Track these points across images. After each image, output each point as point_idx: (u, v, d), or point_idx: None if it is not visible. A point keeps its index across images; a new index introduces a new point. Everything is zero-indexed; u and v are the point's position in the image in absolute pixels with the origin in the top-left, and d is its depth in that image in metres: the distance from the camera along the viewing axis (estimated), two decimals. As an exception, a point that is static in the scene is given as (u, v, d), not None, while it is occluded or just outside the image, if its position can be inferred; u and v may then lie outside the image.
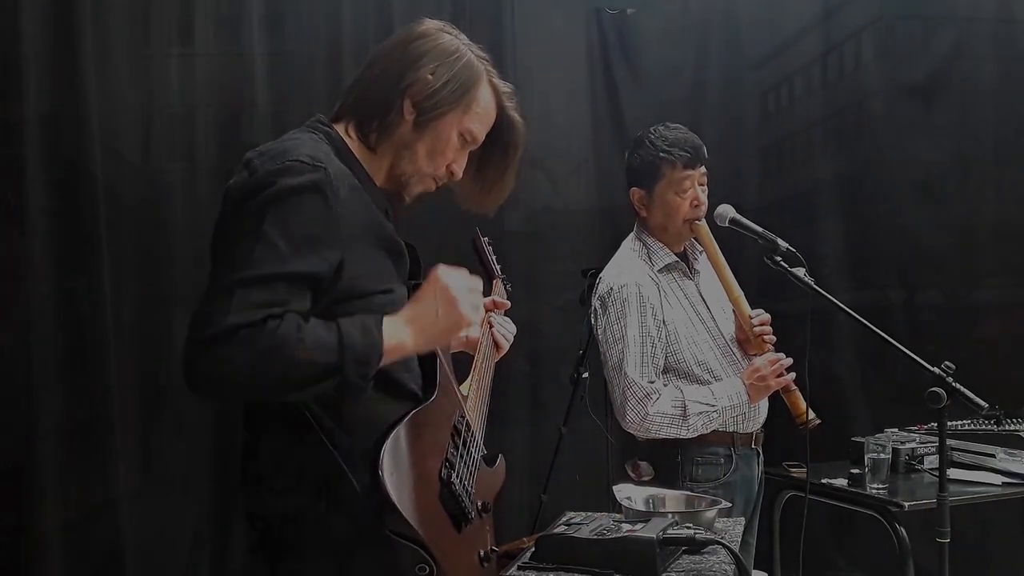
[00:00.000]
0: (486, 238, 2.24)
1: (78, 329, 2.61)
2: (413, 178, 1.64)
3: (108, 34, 2.64)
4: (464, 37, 1.67)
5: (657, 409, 2.44)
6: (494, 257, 2.24)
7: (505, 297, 2.14)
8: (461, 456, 1.58)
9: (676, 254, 2.61)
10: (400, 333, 1.45)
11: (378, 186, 1.62)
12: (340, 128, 1.61)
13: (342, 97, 1.65)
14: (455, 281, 1.50)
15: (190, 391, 1.36)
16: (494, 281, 2.19)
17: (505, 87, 1.70)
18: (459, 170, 1.67)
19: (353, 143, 1.60)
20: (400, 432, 1.43)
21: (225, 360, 1.32)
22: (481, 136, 1.67)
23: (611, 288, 2.53)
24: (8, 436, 2.54)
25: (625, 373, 2.46)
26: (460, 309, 1.48)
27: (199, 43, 2.81)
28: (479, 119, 1.65)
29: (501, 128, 1.72)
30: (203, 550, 2.82)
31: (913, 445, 3.18)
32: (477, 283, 1.55)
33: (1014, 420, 3.17)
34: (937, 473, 2.08)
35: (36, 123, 2.51)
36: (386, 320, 1.44)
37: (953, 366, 2.01)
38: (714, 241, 2.54)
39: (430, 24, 1.65)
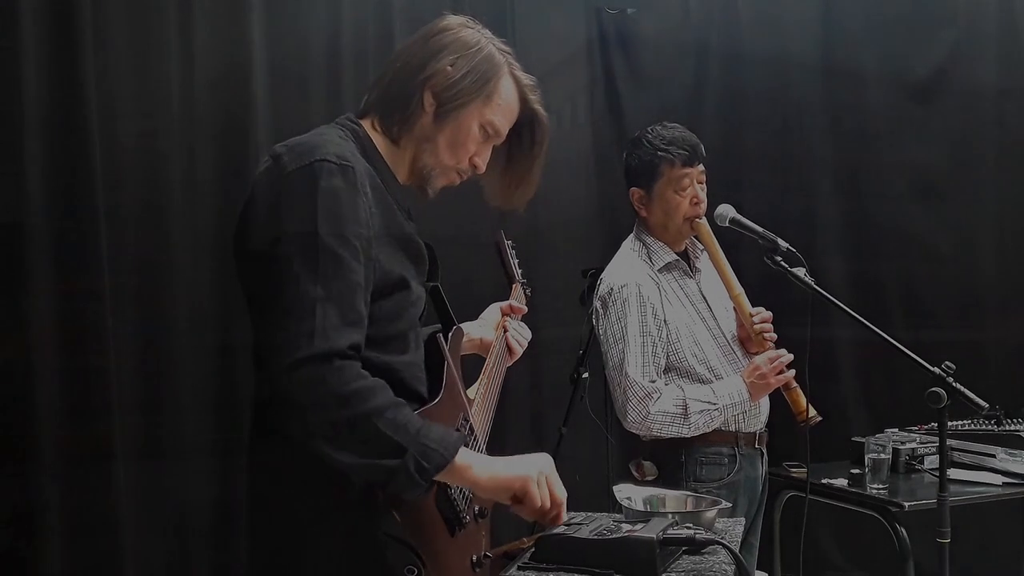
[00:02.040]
0: (509, 241, 2.22)
1: (78, 328, 2.61)
2: (435, 171, 1.63)
3: (108, 34, 2.63)
4: (487, 32, 1.67)
5: (658, 408, 2.44)
6: (516, 261, 2.22)
7: (524, 302, 2.12)
8: None
9: (677, 253, 2.61)
10: (471, 457, 1.43)
11: (401, 182, 1.62)
12: (367, 124, 1.61)
13: (367, 93, 1.66)
14: (550, 476, 1.51)
15: (287, 411, 1.35)
16: (513, 285, 2.18)
17: (528, 80, 1.69)
18: (482, 163, 1.66)
19: (378, 137, 1.60)
20: None
21: (312, 381, 1.31)
22: (503, 129, 1.66)
23: (611, 288, 2.54)
24: (7, 437, 2.53)
25: (626, 373, 2.46)
26: (531, 486, 1.48)
27: (199, 43, 2.81)
28: (501, 111, 1.64)
29: (526, 122, 1.71)
30: (204, 551, 2.82)
31: (913, 445, 3.18)
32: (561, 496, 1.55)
33: (1014, 420, 3.17)
34: (937, 473, 2.09)
35: (37, 123, 2.50)
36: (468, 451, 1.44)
37: (953, 366, 2.02)
38: (715, 239, 2.54)
39: (452, 19, 1.66)
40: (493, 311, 2.05)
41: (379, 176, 1.54)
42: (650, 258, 2.59)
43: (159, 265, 2.75)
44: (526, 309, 2.09)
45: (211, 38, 2.82)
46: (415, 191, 1.65)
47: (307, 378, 1.31)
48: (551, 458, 1.55)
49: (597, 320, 2.58)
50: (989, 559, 3.61)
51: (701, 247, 2.63)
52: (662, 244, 2.60)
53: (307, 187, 1.40)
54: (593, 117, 3.91)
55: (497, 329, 2.00)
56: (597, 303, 2.58)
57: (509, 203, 1.77)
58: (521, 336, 2.03)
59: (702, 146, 2.57)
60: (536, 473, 1.50)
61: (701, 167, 2.56)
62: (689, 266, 2.64)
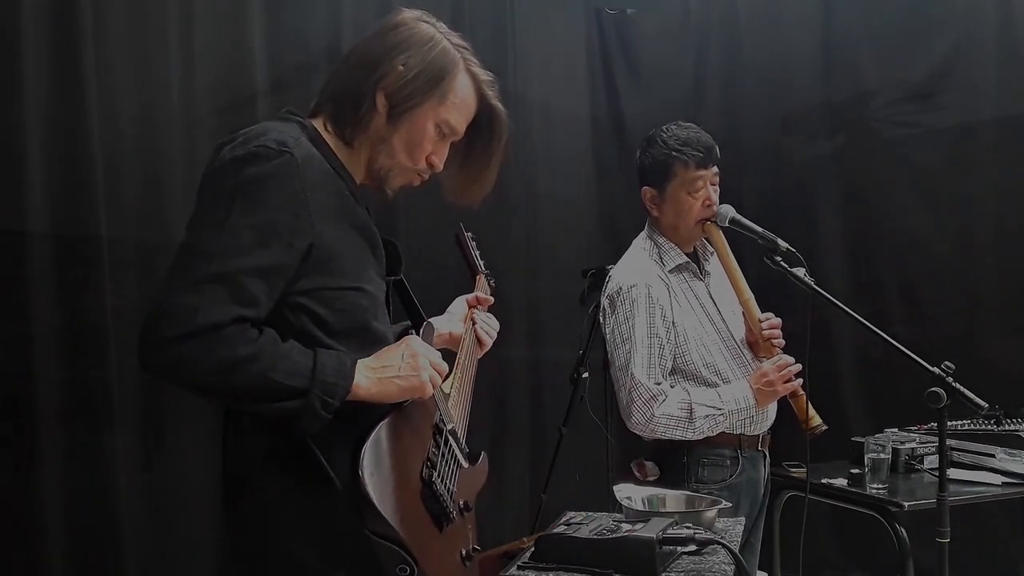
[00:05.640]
0: (469, 233, 2.21)
1: (78, 327, 2.61)
2: (392, 172, 1.60)
3: (108, 33, 2.64)
4: (443, 26, 1.63)
5: (663, 411, 2.41)
6: (477, 252, 2.22)
7: (488, 293, 2.11)
8: (443, 455, 1.57)
9: (687, 255, 2.59)
10: (360, 376, 1.43)
11: (358, 182, 1.60)
12: (318, 123, 1.58)
13: (320, 92, 1.62)
14: (423, 349, 1.49)
15: (146, 372, 1.35)
16: (477, 277, 2.17)
17: (485, 75, 1.64)
18: (439, 162, 1.63)
19: (331, 138, 1.58)
20: (381, 432, 1.42)
21: (191, 358, 1.31)
22: (460, 127, 1.63)
23: (620, 287, 2.50)
24: (6, 435, 2.54)
25: (632, 374, 2.43)
26: (421, 374, 1.47)
27: (199, 42, 2.81)
28: (456, 109, 1.60)
29: (484, 117, 1.67)
30: (201, 549, 2.82)
31: (913, 445, 3.18)
32: (443, 364, 1.54)
33: (1014, 420, 3.16)
34: (937, 473, 2.08)
35: (37, 123, 2.51)
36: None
37: (953, 366, 2.01)
38: (726, 242, 2.52)
39: (407, 14, 1.61)
40: (459, 304, 2.04)
41: (328, 163, 1.52)
42: (661, 259, 2.55)
43: (159, 263, 2.75)
44: (492, 300, 2.08)
45: (211, 38, 2.83)
46: (374, 192, 1.62)
47: (191, 353, 1.31)
48: (415, 337, 1.53)
49: (604, 318, 2.54)
50: (989, 559, 3.61)
51: (711, 250, 2.61)
52: (673, 245, 2.56)
53: (237, 170, 1.40)
54: (593, 117, 3.92)
55: (465, 322, 1.98)
56: (605, 301, 2.55)
57: (466, 198, 1.74)
58: (490, 327, 2.01)
59: (716, 148, 2.52)
60: (423, 359, 1.48)
61: (715, 169, 2.51)
62: (699, 268, 2.61)
